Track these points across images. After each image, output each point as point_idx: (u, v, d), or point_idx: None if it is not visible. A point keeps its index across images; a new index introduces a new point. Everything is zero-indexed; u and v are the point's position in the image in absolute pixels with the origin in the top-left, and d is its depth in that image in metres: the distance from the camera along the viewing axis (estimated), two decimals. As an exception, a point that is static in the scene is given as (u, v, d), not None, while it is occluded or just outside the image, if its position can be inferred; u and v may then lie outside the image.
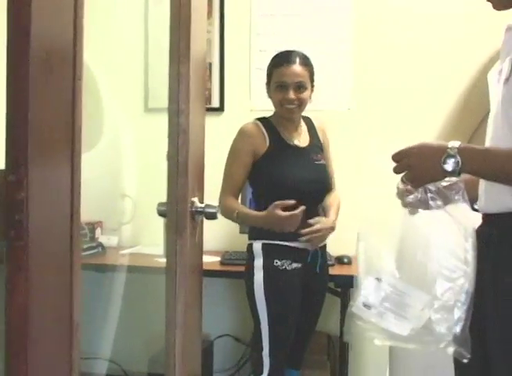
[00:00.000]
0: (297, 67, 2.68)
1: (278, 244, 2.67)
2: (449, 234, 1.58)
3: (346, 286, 3.04)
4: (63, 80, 1.19)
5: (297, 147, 2.76)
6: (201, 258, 2.10)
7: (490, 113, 1.68)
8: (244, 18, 3.58)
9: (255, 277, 2.66)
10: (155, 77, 3.68)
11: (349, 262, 3.22)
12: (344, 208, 3.39)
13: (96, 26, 3.31)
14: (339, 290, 3.08)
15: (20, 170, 1.07)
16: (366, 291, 1.58)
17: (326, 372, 3.25)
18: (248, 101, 3.55)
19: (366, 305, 1.58)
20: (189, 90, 1.85)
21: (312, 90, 2.75)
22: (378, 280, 1.57)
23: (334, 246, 3.26)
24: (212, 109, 3.51)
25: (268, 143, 2.72)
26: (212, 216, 1.97)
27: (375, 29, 3.48)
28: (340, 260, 3.21)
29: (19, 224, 1.06)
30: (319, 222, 2.68)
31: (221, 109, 3.57)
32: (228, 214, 2.66)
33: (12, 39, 1.07)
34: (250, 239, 2.75)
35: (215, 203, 1.98)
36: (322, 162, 2.79)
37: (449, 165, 1.51)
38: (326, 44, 3.52)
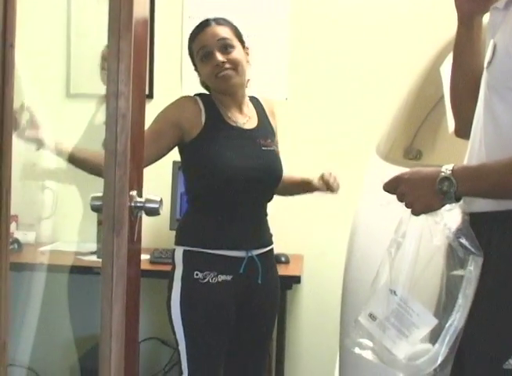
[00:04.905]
0: (214, 28, 2.32)
1: (201, 252, 2.28)
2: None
3: (284, 287, 2.88)
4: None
5: (240, 129, 2.34)
6: (139, 258, 1.89)
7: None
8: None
9: (173, 290, 2.29)
10: (78, 61, 3.45)
11: (287, 261, 3.07)
12: (282, 203, 3.23)
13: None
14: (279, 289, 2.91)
15: None
16: (376, 302, 1.44)
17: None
18: (179, 88, 3.36)
19: (372, 316, 1.43)
20: (130, 69, 1.64)
21: (247, 52, 2.37)
22: (392, 291, 1.42)
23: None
24: (140, 96, 3.30)
25: (203, 121, 2.30)
26: (153, 212, 1.76)
27: (313, 16, 3.38)
28: (277, 259, 3.03)
29: None
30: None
31: (150, 96, 3.36)
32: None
33: None
34: (174, 244, 2.38)
35: (156, 197, 1.77)
36: (272, 148, 2.38)
37: (444, 187, 1.39)
38: (262, 31, 3.38)
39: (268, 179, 2.37)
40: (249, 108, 2.42)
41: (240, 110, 2.39)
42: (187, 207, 2.47)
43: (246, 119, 2.39)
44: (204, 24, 2.35)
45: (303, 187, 2.49)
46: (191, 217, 2.40)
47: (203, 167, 2.29)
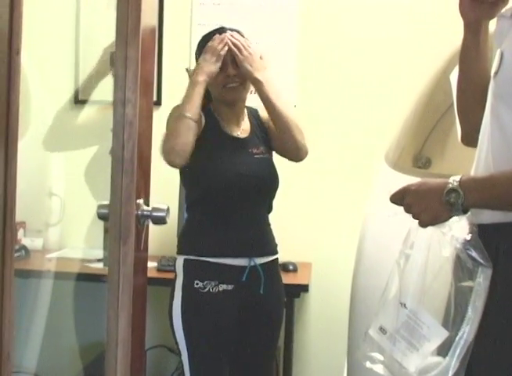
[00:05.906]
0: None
1: (200, 261, 2.26)
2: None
3: (291, 296, 2.86)
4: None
5: (234, 138, 2.34)
6: (146, 267, 1.88)
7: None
8: (185, 6, 3.37)
9: (174, 299, 2.27)
10: (86, 68, 3.44)
11: (295, 270, 3.04)
12: (291, 211, 3.22)
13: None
14: (284, 300, 2.88)
15: None
16: (386, 314, 1.42)
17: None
18: (188, 95, 3.34)
19: (382, 329, 1.41)
20: (137, 76, 1.63)
21: None
22: (402, 304, 1.40)
23: (279, 251, 3.09)
24: (148, 103, 3.29)
25: (202, 126, 2.29)
26: (160, 221, 1.75)
27: (322, 23, 3.34)
28: (285, 267, 3.01)
29: None
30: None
31: (158, 103, 3.34)
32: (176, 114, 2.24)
33: None
34: (176, 253, 2.36)
35: (163, 206, 1.76)
36: (264, 156, 2.36)
37: (452, 199, 1.37)
38: (271, 39, 3.36)
39: (263, 186, 2.35)
40: (245, 121, 2.41)
41: (237, 121, 2.38)
42: (186, 215, 2.45)
43: (241, 130, 2.38)
44: (221, 32, 2.32)
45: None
46: (189, 225, 2.39)
47: (199, 174, 2.29)
